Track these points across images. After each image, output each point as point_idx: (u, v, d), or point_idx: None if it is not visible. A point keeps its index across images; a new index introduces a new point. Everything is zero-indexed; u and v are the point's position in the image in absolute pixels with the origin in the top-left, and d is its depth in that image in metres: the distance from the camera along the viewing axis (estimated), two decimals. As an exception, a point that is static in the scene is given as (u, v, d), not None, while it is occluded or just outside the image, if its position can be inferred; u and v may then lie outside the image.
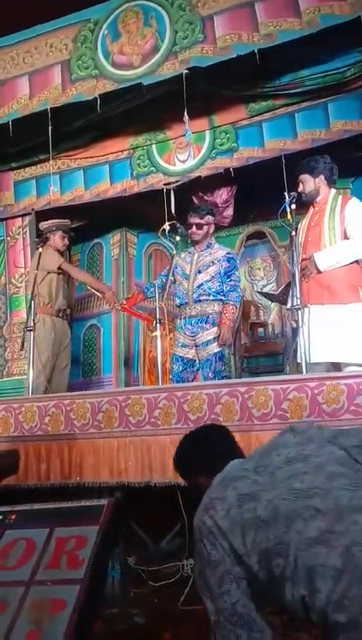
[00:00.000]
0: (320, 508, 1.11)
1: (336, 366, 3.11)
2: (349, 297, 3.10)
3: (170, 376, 3.73)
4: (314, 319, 3.10)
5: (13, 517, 1.43)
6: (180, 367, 3.65)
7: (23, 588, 1.24)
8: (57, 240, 4.35)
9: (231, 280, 3.61)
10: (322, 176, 3.26)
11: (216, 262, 3.63)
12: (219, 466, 1.40)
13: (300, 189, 3.30)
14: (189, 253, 3.81)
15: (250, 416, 2.66)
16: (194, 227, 3.68)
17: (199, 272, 3.64)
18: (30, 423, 3.12)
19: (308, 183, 3.28)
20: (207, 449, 1.55)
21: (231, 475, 1.31)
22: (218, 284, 3.60)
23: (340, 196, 3.29)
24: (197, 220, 3.68)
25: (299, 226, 3.38)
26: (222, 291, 3.59)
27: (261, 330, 5.55)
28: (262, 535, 1.14)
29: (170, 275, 3.72)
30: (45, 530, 1.37)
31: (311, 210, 3.34)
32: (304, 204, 3.36)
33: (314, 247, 3.19)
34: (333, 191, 3.31)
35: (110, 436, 2.95)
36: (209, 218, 3.73)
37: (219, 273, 3.60)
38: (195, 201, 4.84)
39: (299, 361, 3.02)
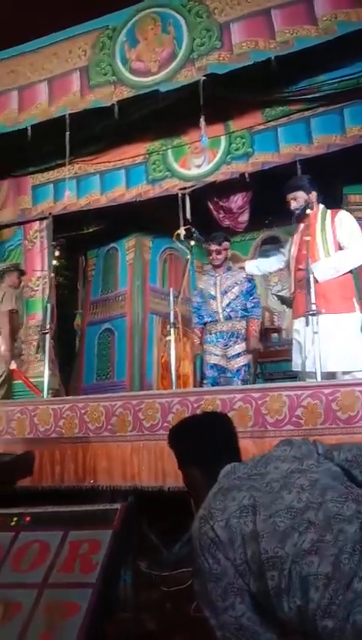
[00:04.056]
0: (312, 520, 1.14)
1: (331, 375, 3.13)
2: (343, 307, 3.19)
3: (205, 382, 4.06)
4: (309, 329, 3.12)
5: (28, 519, 1.44)
6: (215, 373, 3.99)
7: (37, 590, 1.24)
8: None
9: (254, 298, 4.04)
10: (314, 193, 3.39)
11: (238, 283, 4.02)
12: (214, 463, 1.39)
13: (293, 206, 3.43)
14: (211, 276, 4.14)
15: (263, 423, 2.66)
16: (214, 254, 4.03)
17: (225, 292, 4.00)
18: (45, 426, 3.14)
19: (302, 199, 3.39)
20: (205, 442, 1.50)
21: (228, 484, 1.30)
22: (242, 302, 3.99)
23: (329, 210, 3.38)
24: (216, 247, 4.02)
25: (291, 240, 3.57)
26: (246, 309, 4.00)
27: (275, 335, 5.53)
28: (259, 548, 1.15)
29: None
30: (59, 533, 1.37)
31: (302, 225, 3.46)
32: (299, 219, 3.46)
33: (306, 261, 3.26)
34: (321, 206, 3.41)
35: (124, 440, 2.97)
36: (226, 244, 4.10)
37: (242, 292, 4.00)
38: (211, 207, 4.85)
39: (308, 369, 3.04)
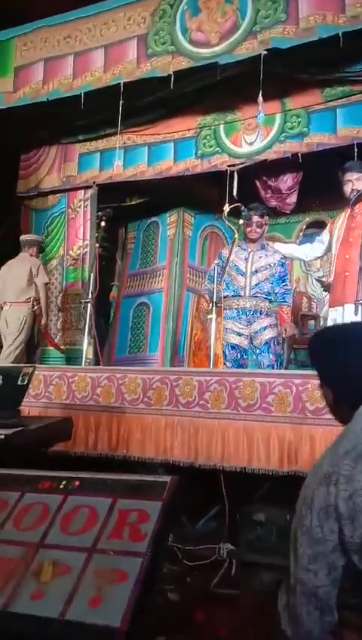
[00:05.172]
0: None
1: None
2: None
3: (226, 363, 3.85)
4: (349, 318, 3.13)
5: (77, 484, 1.45)
6: (238, 354, 3.81)
7: (86, 554, 1.25)
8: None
9: (285, 284, 3.87)
10: None
11: (271, 265, 3.83)
12: (353, 392, 1.22)
13: (354, 186, 3.38)
14: (243, 250, 3.91)
15: (303, 409, 2.63)
16: (254, 225, 3.82)
17: (256, 271, 3.82)
18: (82, 393, 3.18)
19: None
20: (345, 362, 1.26)
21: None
22: (270, 285, 3.81)
23: None
24: (257, 219, 3.82)
25: (330, 227, 3.55)
26: (272, 293, 3.82)
27: (311, 322, 5.45)
28: None
29: (229, 259, 3.75)
30: (108, 500, 1.38)
31: (349, 210, 3.44)
32: (353, 202, 3.41)
33: (354, 248, 3.27)
34: None
35: (158, 413, 2.99)
36: (266, 218, 3.93)
37: (273, 276, 3.82)
38: (258, 186, 4.75)
39: None
